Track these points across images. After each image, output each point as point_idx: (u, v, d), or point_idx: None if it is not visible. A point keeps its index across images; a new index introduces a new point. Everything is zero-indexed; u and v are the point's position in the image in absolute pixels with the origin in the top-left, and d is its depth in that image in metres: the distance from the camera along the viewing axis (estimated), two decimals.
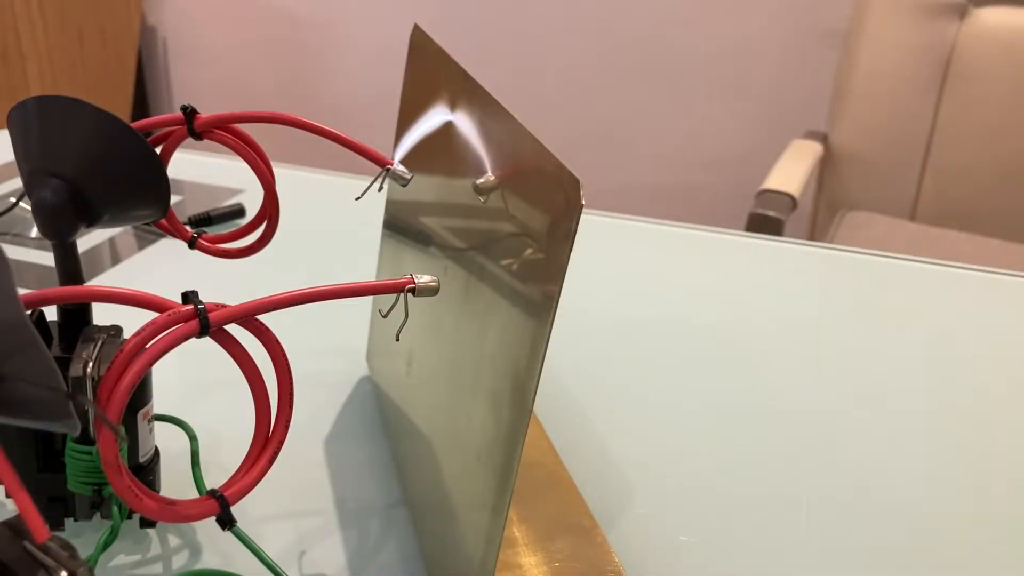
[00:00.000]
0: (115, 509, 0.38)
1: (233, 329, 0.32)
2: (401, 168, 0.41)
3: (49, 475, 0.38)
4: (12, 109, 0.35)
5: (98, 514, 0.38)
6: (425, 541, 0.41)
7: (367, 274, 0.66)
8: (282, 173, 0.85)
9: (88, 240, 0.70)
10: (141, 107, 2.43)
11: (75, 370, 0.35)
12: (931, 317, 0.67)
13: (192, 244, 0.43)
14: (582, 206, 0.27)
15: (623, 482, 0.47)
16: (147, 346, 0.30)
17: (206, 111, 0.40)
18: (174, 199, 0.80)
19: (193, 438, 0.43)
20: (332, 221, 0.77)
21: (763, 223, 1.34)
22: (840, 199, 1.65)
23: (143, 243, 0.71)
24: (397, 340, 0.47)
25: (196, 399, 0.51)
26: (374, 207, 0.79)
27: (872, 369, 0.60)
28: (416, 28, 0.46)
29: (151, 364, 0.30)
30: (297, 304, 0.32)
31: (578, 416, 0.52)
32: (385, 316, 0.34)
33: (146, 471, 0.39)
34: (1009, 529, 0.46)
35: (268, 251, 0.45)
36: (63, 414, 0.24)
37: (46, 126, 0.34)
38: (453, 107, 0.40)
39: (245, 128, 0.41)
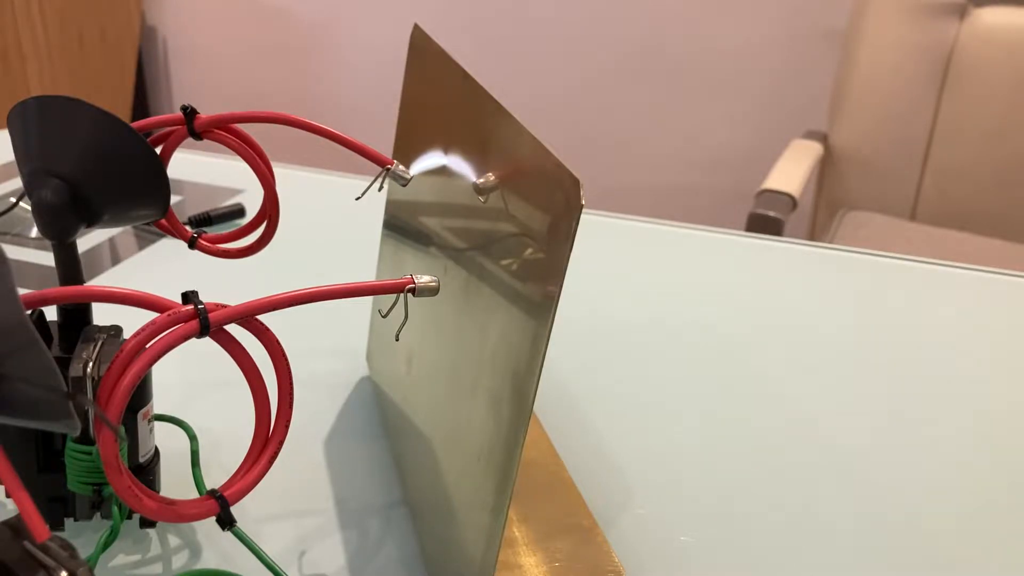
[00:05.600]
0: (115, 509, 0.38)
1: (233, 329, 0.32)
2: (401, 168, 0.41)
3: (49, 475, 0.38)
4: (12, 109, 0.35)
5: (98, 514, 0.38)
6: (425, 541, 0.41)
7: (367, 274, 0.66)
8: (282, 173, 0.85)
9: (88, 240, 0.70)
10: (141, 107, 2.43)
11: (75, 370, 0.35)
12: (931, 317, 0.67)
13: (192, 244, 0.43)
14: (582, 206, 0.27)
15: (623, 482, 0.47)
16: (147, 346, 0.30)
17: (206, 111, 0.40)
18: (174, 199, 0.80)
19: (193, 438, 0.43)
20: (332, 221, 0.77)
21: (763, 223, 1.34)
22: (840, 199, 1.65)
23: (143, 243, 0.71)
24: (397, 340, 0.47)
25: (196, 399, 0.51)
26: (374, 207, 0.79)
27: (872, 369, 0.60)
28: (416, 28, 0.46)
29: (151, 364, 0.30)
30: (297, 304, 0.32)
31: (578, 416, 0.52)
32: (385, 316, 0.34)
33: (146, 471, 0.39)
34: (1010, 529, 0.46)
35: (268, 251, 0.45)
36: (63, 414, 0.24)
37: (46, 126, 0.34)
38: (453, 107, 0.40)
39: (245, 128, 0.41)
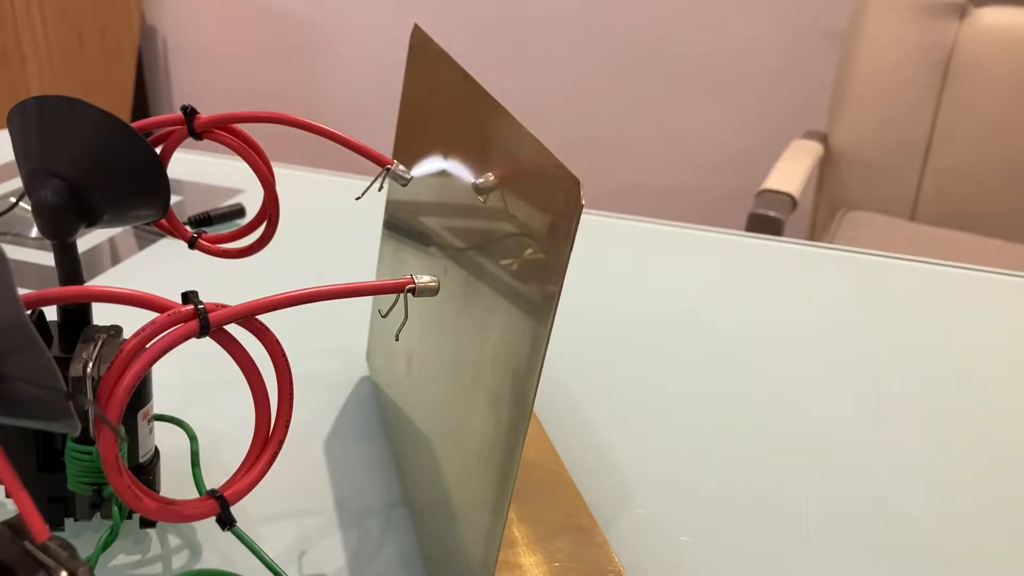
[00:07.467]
0: (115, 509, 0.38)
1: (233, 329, 0.32)
2: (401, 168, 0.41)
3: (49, 475, 0.38)
4: (12, 109, 0.35)
5: (98, 514, 0.38)
6: (425, 541, 0.41)
7: (367, 274, 0.66)
8: (282, 173, 0.85)
9: (88, 240, 0.70)
10: (141, 107, 2.43)
11: (75, 370, 0.35)
12: (931, 317, 0.67)
13: (192, 244, 0.43)
14: (582, 206, 0.27)
15: (623, 482, 0.47)
16: (147, 346, 0.30)
17: (206, 111, 0.40)
18: (174, 199, 0.80)
19: (193, 438, 0.43)
20: (332, 221, 0.77)
21: (763, 223, 1.34)
22: (840, 199, 1.65)
23: (143, 243, 0.71)
24: (397, 340, 0.47)
25: (196, 399, 0.51)
26: (374, 207, 0.79)
27: (872, 369, 0.60)
28: (416, 28, 0.46)
29: (151, 364, 0.30)
30: (297, 304, 0.32)
31: (578, 416, 0.52)
32: (385, 316, 0.34)
33: (146, 471, 0.39)
34: (1010, 529, 0.46)
35: (268, 251, 0.45)
36: (63, 414, 0.24)
37: (46, 126, 0.34)
38: (453, 107, 0.40)
39: (245, 128, 0.41)
